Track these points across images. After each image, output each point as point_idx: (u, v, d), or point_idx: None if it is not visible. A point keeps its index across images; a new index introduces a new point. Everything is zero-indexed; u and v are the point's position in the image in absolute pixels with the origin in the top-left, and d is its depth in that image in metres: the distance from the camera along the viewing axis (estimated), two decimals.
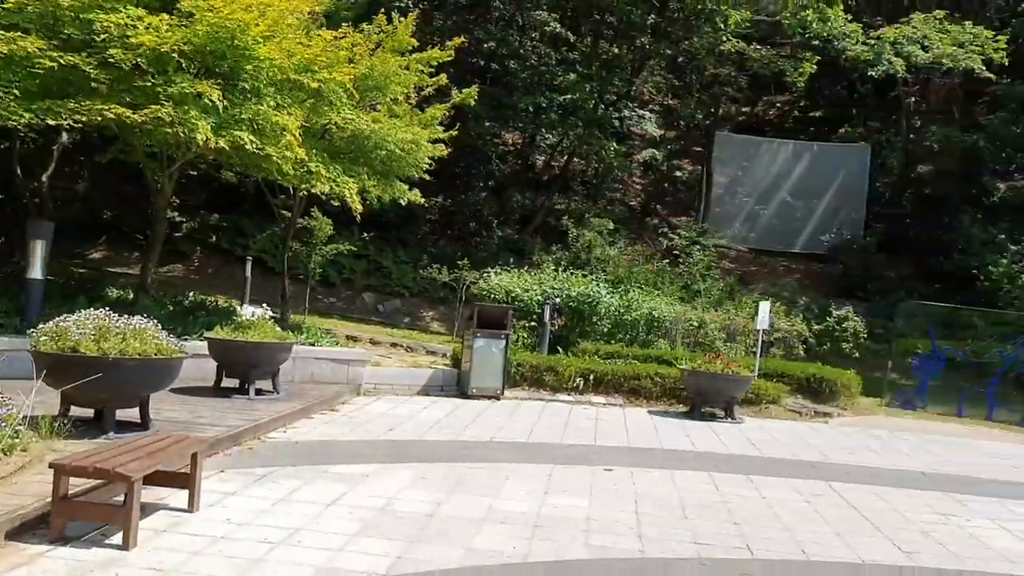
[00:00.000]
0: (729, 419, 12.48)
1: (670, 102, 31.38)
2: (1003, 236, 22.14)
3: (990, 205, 24.35)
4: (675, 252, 24.40)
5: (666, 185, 30.09)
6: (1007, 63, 22.47)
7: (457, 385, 13.04)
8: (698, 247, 24.14)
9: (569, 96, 24.14)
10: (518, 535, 5.81)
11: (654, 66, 27.92)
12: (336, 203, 13.39)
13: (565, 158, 26.57)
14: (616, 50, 26.17)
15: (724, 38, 23.52)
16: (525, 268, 18.48)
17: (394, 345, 15.94)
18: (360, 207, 12.69)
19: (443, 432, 9.73)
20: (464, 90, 15.25)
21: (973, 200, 24.72)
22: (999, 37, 22.38)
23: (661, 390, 13.65)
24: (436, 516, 6.14)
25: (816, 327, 19.09)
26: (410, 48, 13.90)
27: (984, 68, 22.03)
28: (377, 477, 7.23)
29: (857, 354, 18.89)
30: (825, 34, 22.63)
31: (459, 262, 17.98)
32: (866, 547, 6.33)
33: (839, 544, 6.36)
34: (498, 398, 12.61)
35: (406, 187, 14.51)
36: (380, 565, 5.03)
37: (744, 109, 32.65)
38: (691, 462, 9.13)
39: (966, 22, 23.03)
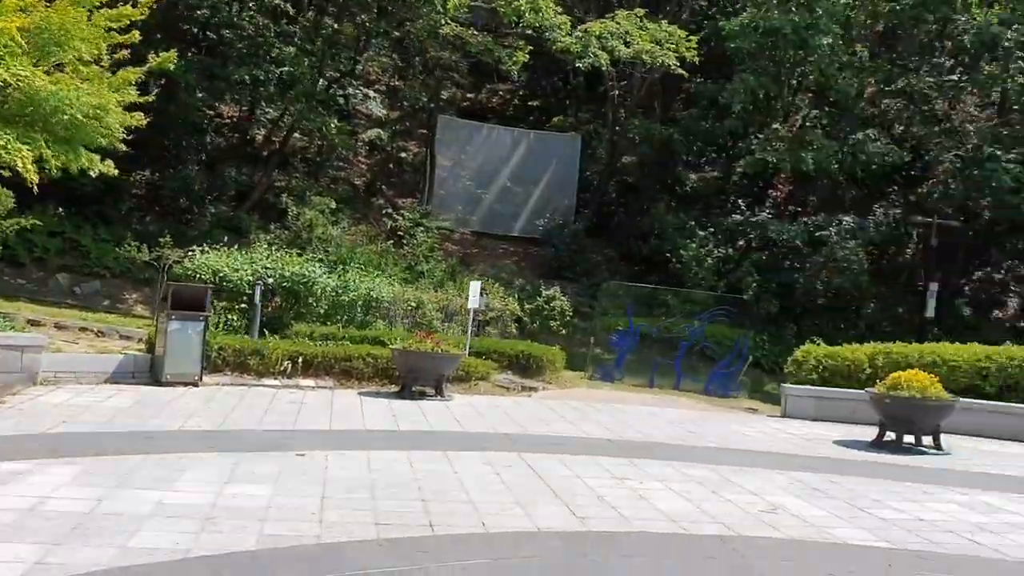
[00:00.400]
0: (439, 397, 12.66)
1: (396, 83, 31.41)
2: (693, 223, 24.33)
3: (683, 194, 26.70)
4: (399, 233, 24.49)
5: (392, 166, 30.08)
6: (699, 62, 24.57)
7: (150, 372, 12.14)
8: (422, 229, 24.41)
9: (288, 69, 23.40)
10: (185, 530, 5.44)
11: (379, 45, 27.75)
12: (7, 173, 11.97)
13: (285, 133, 25.73)
14: (339, 26, 25.68)
15: (443, 21, 23.81)
16: (236, 247, 17.65)
17: (84, 329, 14.55)
18: (36, 177, 11.45)
19: (125, 423, 8.99)
20: (162, 54, 14.16)
21: (669, 189, 26.98)
22: (691, 37, 24.40)
23: (374, 371, 13.55)
24: (93, 515, 5.60)
25: (528, 306, 19.95)
26: (97, 4, 12.67)
27: (678, 65, 23.92)
28: (32, 475, 6.50)
29: (564, 331, 19.98)
30: (537, 24, 23.59)
31: (161, 239, 16.79)
32: (545, 515, 6.58)
33: (520, 513, 6.56)
34: (196, 384, 11.89)
35: (97, 157, 13.26)
36: (13, 572, 4.49)
37: (469, 95, 33.34)
38: (392, 441, 9.12)
39: (664, 21, 24.89)
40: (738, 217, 24.48)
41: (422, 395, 12.73)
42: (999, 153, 22.40)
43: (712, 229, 24.08)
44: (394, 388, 13.20)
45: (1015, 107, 24.25)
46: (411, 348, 12.64)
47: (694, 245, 23.16)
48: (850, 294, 22.92)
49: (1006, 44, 22.91)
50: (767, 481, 8.61)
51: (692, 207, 25.94)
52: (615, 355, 18.93)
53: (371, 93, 29.51)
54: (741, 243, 24.53)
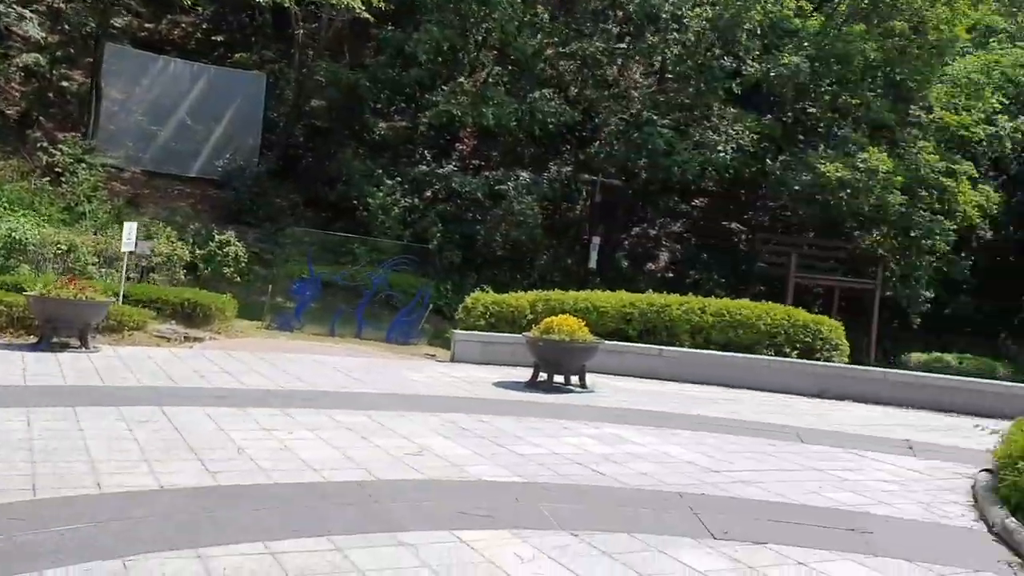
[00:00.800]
0: (83, 349, 11.64)
1: (59, 5, 28.14)
2: (381, 171, 24.28)
3: (371, 141, 26.56)
4: (58, 170, 22.18)
5: (51, 96, 27.03)
6: (388, 10, 24.35)
7: None
8: (84, 166, 22.27)
9: None
10: None
11: None
12: None
13: None
14: None
15: None
16: None
17: None
18: None
19: None
20: None
21: (357, 136, 26.71)
22: None
23: (8, 320, 12.24)
24: None
25: (200, 252, 18.93)
26: None
27: (364, 9, 23.55)
28: None
29: (240, 279, 19.22)
30: None
31: None
32: (174, 472, 6.21)
33: (145, 472, 6.15)
34: None
35: None
36: None
37: (148, 25, 30.68)
38: (13, 398, 8.19)
39: None
40: (425, 168, 24.79)
41: (64, 347, 11.64)
42: (656, 118, 24.57)
43: (400, 178, 24.16)
44: (33, 339, 11.97)
45: (670, 75, 26.67)
46: (50, 295, 11.47)
47: (381, 193, 23.15)
48: (526, 246, 24.18)
49: (664, 16, 25.04)
50: (421, 424, 8.75)
51: (381, 155, 25.89)
52: (296, 303, 18.57)
53: (27, 13, 26.17)
54: (428, 194, 24.90)
